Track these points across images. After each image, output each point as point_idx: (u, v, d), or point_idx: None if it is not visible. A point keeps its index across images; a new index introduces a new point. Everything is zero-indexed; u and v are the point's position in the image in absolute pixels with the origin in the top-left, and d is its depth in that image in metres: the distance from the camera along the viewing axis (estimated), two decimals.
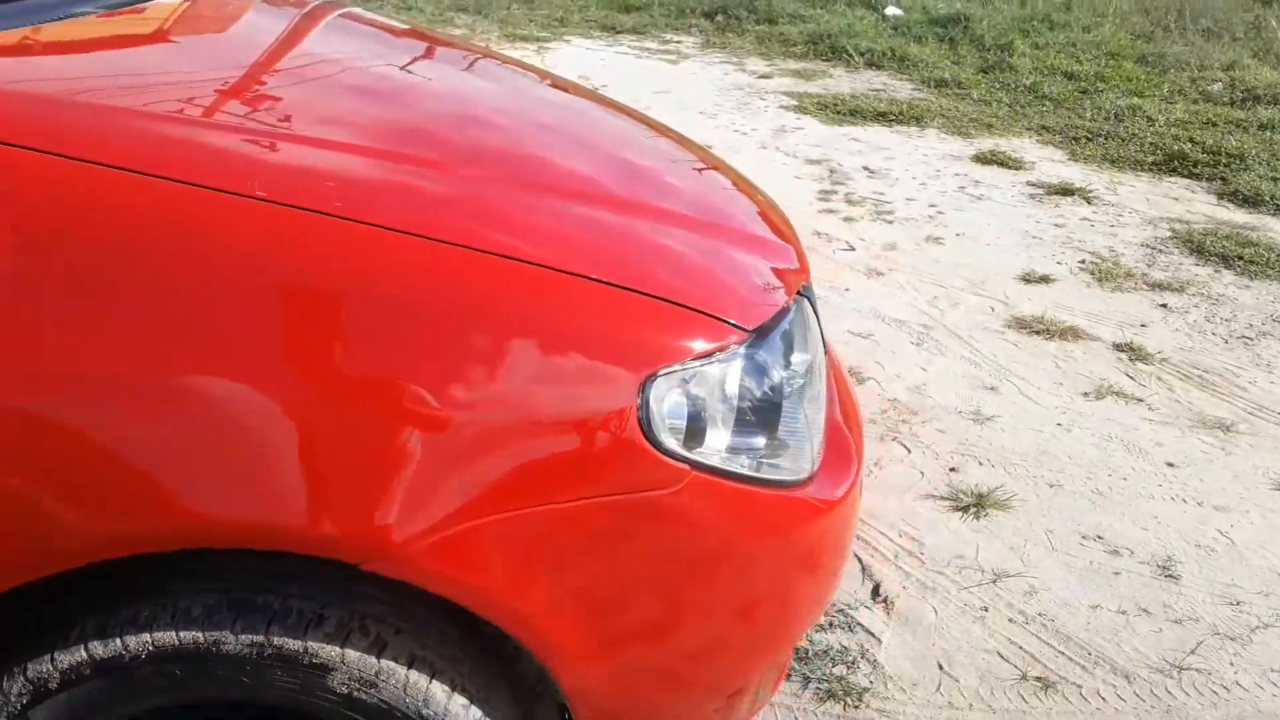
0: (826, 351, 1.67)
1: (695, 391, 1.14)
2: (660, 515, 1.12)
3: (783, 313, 1.30)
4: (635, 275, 1.15)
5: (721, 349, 1.17)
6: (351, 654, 1.08)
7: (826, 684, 1.92)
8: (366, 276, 1.02)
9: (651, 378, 1.10)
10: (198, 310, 0.97)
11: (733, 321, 1.18)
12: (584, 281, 1.10)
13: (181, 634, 1.04)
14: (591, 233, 1.24)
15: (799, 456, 1.29)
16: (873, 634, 2.07)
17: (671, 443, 1.11)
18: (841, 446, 1.40)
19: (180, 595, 1.06)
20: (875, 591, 2.19)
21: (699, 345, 1.14)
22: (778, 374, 1.26)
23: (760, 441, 1.23)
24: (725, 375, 1.18)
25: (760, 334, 1.24)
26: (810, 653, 2.00)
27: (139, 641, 1.04)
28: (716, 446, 1.17)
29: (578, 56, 7.19)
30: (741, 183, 1.74)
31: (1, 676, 1.05)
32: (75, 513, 0.97)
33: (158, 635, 1.04)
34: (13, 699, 1.04)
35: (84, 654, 1.04)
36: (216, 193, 1.00)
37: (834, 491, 1.31)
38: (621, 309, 1.12)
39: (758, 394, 1.22)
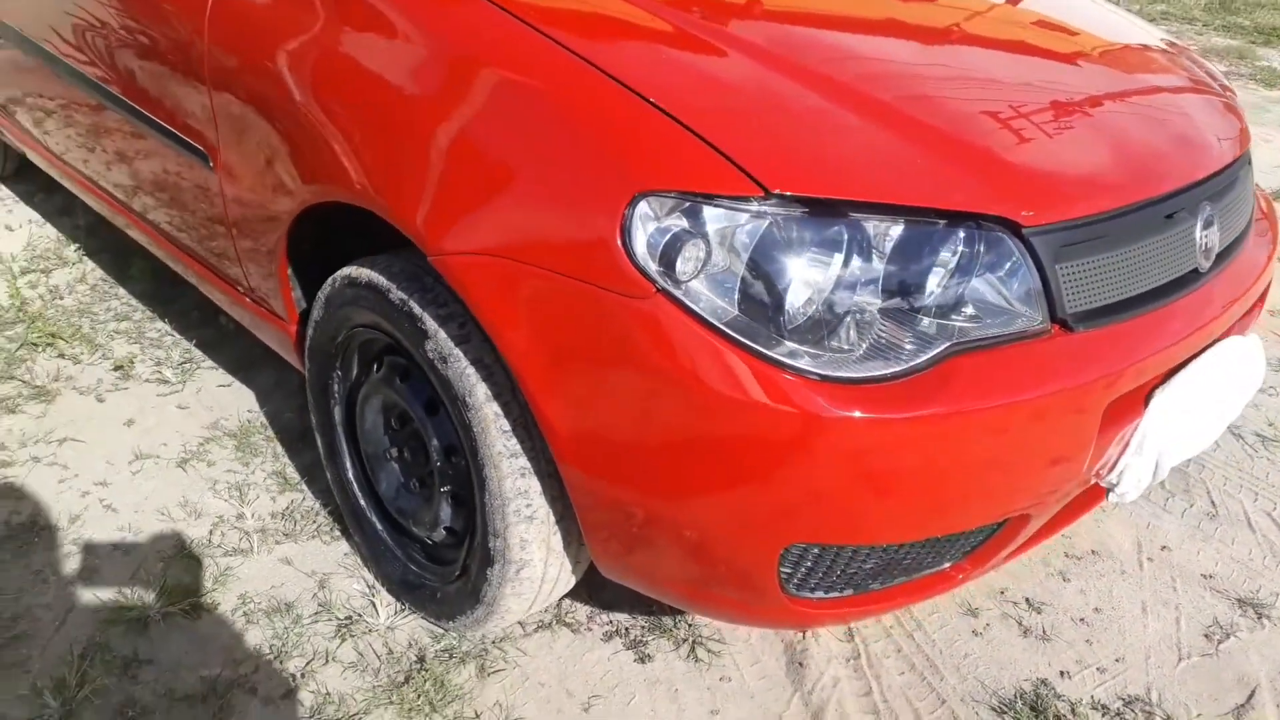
0: None
1: (683, 223, 1.22)
2: (622, 318, 1.25)
3: (863, 209, 1.23)
4: (697, 111, 1.26)
5: (730, 197, 1.21)
6: (442, 334, 1.48)
7: None
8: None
9: (644, 194, 1.23)
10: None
11: (751, 174, 1.20)
12: (641, 102, 1.27)
13: (380, 276, 1.57)
14: (729, 82, 1.35)
15: (840, 354, 1.23)
16: None
17: (645, 259, 1.23)
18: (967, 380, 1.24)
19: (393, 258, 1.59)
20: None
21: (701, 182, 1.21)
22: (820, 256, 1.23)
23: (771, 312, 1.23)
24: (732, 224, 1.22)
25: (808, 208, 1.22)
26: None
27: (365, 274, 1.60)
28: (703, 288, 1.22)
29: None
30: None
31: (327, 275, 1.72)
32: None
33: (373, 274, 1.59)
34: (326, 284, 1.71)
35: (348, 272, 1.64)
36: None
37: (871, 406, 1.20)
38: (652, 128, 1.25)
39: (775, 262, 1.22)
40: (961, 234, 1.28)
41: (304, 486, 2.09)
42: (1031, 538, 1.58)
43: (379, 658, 1.69)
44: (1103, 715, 1.68)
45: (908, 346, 1.26)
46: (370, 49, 1.50)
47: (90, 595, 1.77)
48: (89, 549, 1.88)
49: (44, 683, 1.59)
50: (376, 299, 1.58)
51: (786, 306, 1.22)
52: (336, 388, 1.82)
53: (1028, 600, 1.91)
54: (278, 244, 1.76)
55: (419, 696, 1.62)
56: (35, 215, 3.24)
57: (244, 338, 2.52)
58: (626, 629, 1.79)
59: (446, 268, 1.39)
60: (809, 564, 1.36)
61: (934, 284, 1.28)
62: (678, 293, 1.23)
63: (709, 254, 1.23)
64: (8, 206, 3.29)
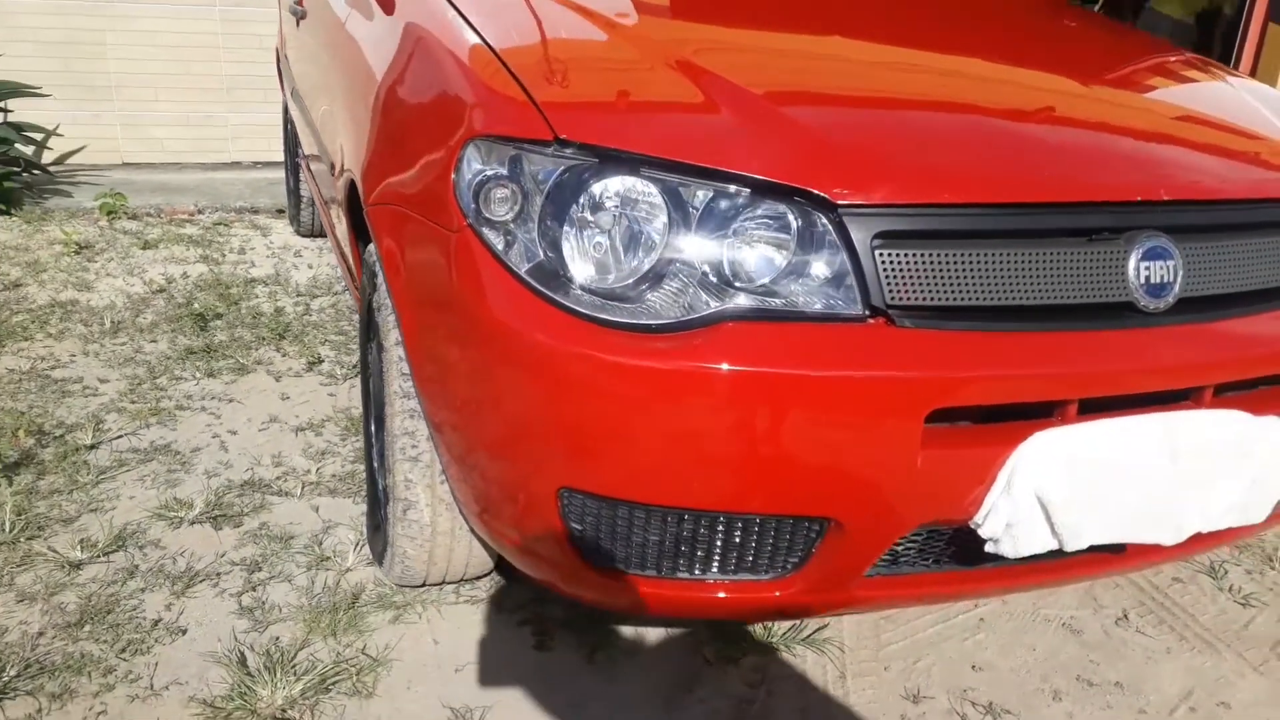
0: None
1: (501, 169, 1.33)
2: (441, 248, 1.39)
3: (655, 166, 1.26)
4: (536, 69, 1.39)
5: (529, 141, 1.31)
6: (385, 286, 1.68)
7: None
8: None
9: (473, 138, 1.37)
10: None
11: (548, 120, 1.29)
12: (495, 59, 1.43)
13: (375, 246, 1.82)
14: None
15: (616, 301, 1.26)
16: None
17: (465, 197, 1.36)
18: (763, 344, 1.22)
19: None
20: None
21: (515, 128, 1.33)
22: (609, 207, 1.28)
23: (558, 252, 1.29)
24: (536, 169, 1.31)
25: (599, 158, 1.27)
26: None
27: (371, 246, 1.86)
28: (515, 229, 1.32)
29: None
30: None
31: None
32: None
33: (374, 245, 1.84)
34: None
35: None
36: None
37: (626, 352, 1.22)
38: (498, 82, 1.39)
39: (563, 207, 1.29)
40: (765, 203, 1.26)
41: None
42: (956, 583, 1.43)
43: (325, 589, 1.87)
44: None
45: (689, 304, 1.25)
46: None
47: (159, 497, 2.15)
48: (187, 469, 2.28)
49: (83, 542, 1.96)
50: (370, 265, 1.83)
51: (565, 250, 1.28)
52: (370, 357, 2.08)
53: (990, 704, 1.64)
54: (346, 227, 2.09)
55: (329, 624, 1.77)
56: (331, 260, 3.96)
57: None
58: (544, 622, 1.81)
59: (367, 218, 1.62)
60: (592, 519, 1.34)
61: (730, 250, 1.26)
62: (481, 229, 1.33)
63: (523, 198, 1.32)
64: (316, 252, 4.06)
